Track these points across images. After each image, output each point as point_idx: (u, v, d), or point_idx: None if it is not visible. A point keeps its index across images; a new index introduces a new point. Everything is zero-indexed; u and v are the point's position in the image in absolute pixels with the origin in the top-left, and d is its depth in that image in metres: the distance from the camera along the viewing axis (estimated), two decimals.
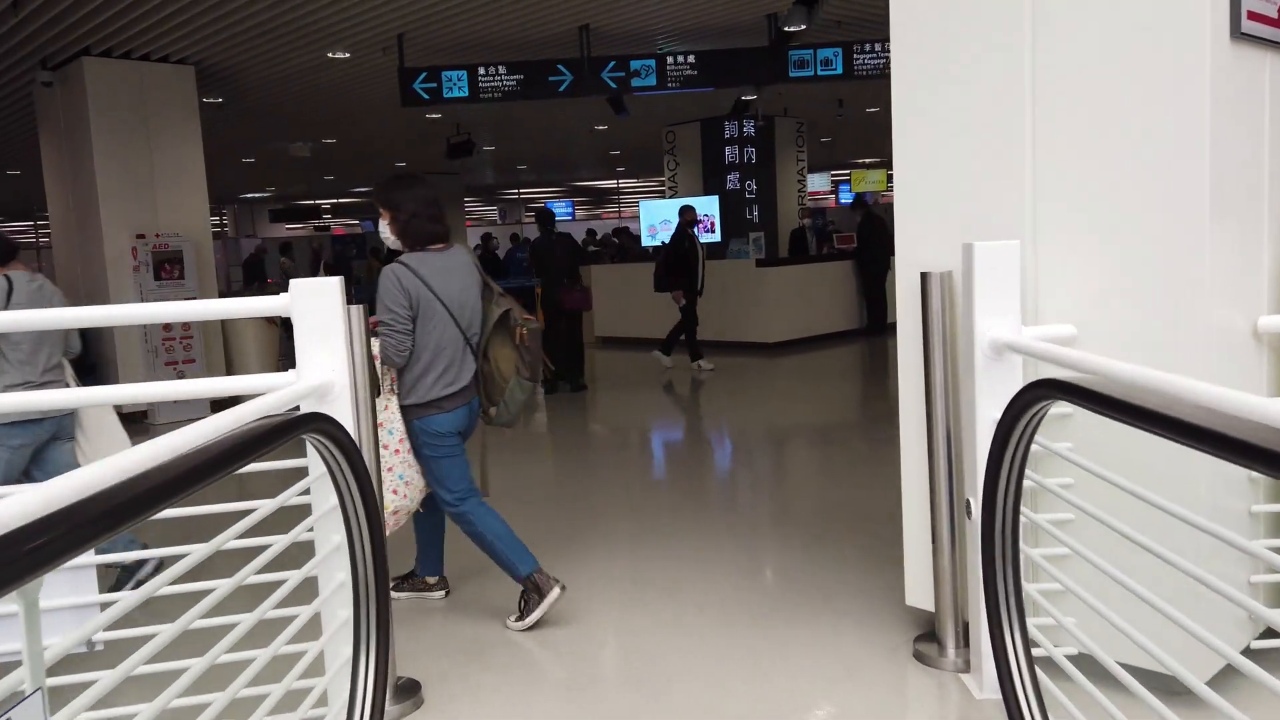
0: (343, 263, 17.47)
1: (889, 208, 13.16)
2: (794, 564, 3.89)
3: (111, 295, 8.40)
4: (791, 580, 3.72)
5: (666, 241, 10.22)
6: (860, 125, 16.40)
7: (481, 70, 8.12)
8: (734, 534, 4.35)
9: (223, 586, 1.82)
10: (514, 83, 8.13)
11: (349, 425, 2.52)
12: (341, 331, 2.56)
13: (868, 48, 8.02)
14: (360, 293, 18.17)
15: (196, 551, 1.77)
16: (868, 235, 12.44)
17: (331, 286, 2.55)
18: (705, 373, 9.63)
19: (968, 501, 2.76)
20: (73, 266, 9.06)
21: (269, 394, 2.23)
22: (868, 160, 24.46)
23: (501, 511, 3.52)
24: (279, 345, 9.38)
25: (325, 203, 26.49)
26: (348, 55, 9.10)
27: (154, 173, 8.53)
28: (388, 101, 11.60)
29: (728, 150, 14.03)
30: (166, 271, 8.42)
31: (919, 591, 3.12)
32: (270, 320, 9.05)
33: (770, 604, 3.50)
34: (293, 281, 2.55)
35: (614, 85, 8.14)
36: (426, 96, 8.15)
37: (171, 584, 1.67)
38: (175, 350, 8.47)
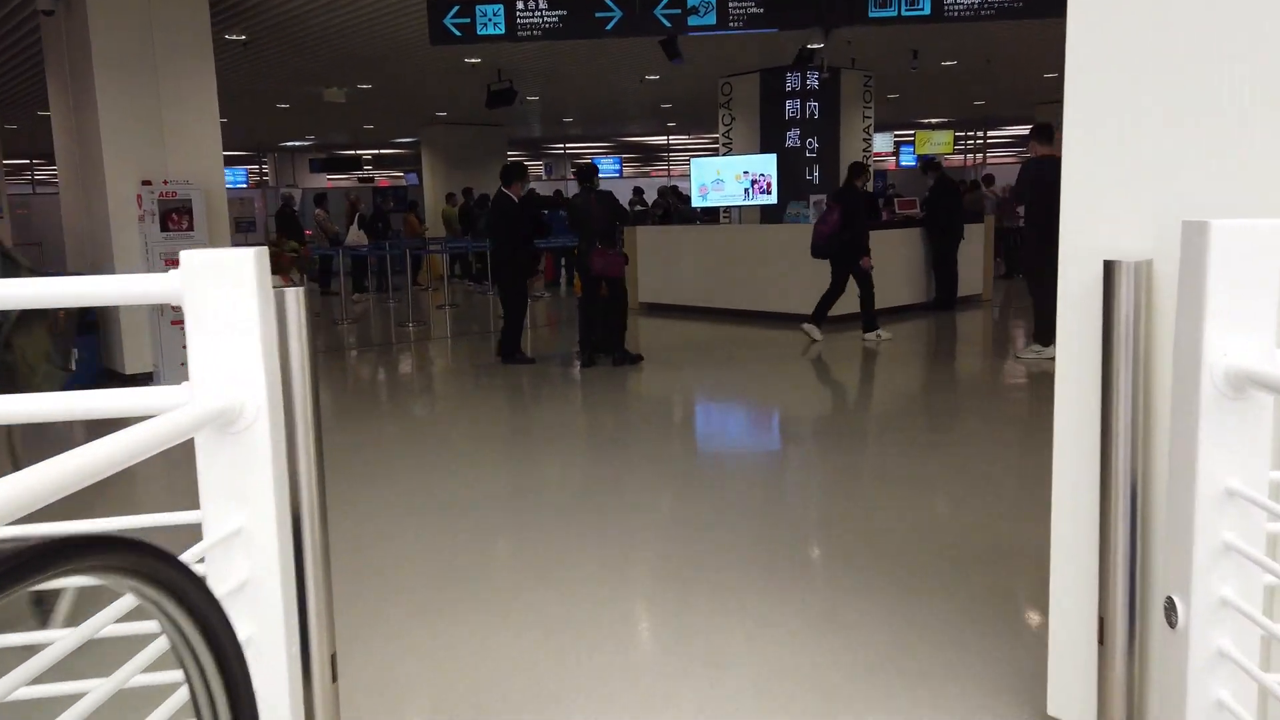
0: (380, 216, 16.77)
1: (954, 173, 12.16)
2: (878, 629, 3.04)
3: (114, 247, 7.73)
4: (875, 652, 2.88)
5: (831, 199, 9.20)
6: (932, 81, 15.22)
7: (520, 4, 7.23)
8: (797, 576, 3.51)
9: None
10: (556, 19, 7.23)
11: (264, 473, 1.69)
12: (255, 329, 1.74)
13: None
14: (398, 246, 17.53)
15: None
16: (940, 201, 11.39)
17: (241, 263, 1.72)
18: (884, 342, 9.01)
19: (1169, 601, 1.90)
20: (79, 216, 8.41)
21: (146, 423, 1.43)
22: (934, 121, 23.13)
23: (502, 529, 2.72)
24: None
25: (367, 153, 25.81)
26: None
27: (163, 114, 7.81)
28: (420, 42, 10.76)
29: (788, 105, 13.00)
30: (174, 222, 7.72)
31: (1069, 701, 2.27)
32: (286, 276, 8.33)
33: (846, 687, 2.66)
34: (184, 255, 1.73)
35: (668, 24, 7.21)
36: (458, 34, 7.30)
37: None
38: None
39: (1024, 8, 6.98)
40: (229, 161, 26.87)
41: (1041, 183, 7.24)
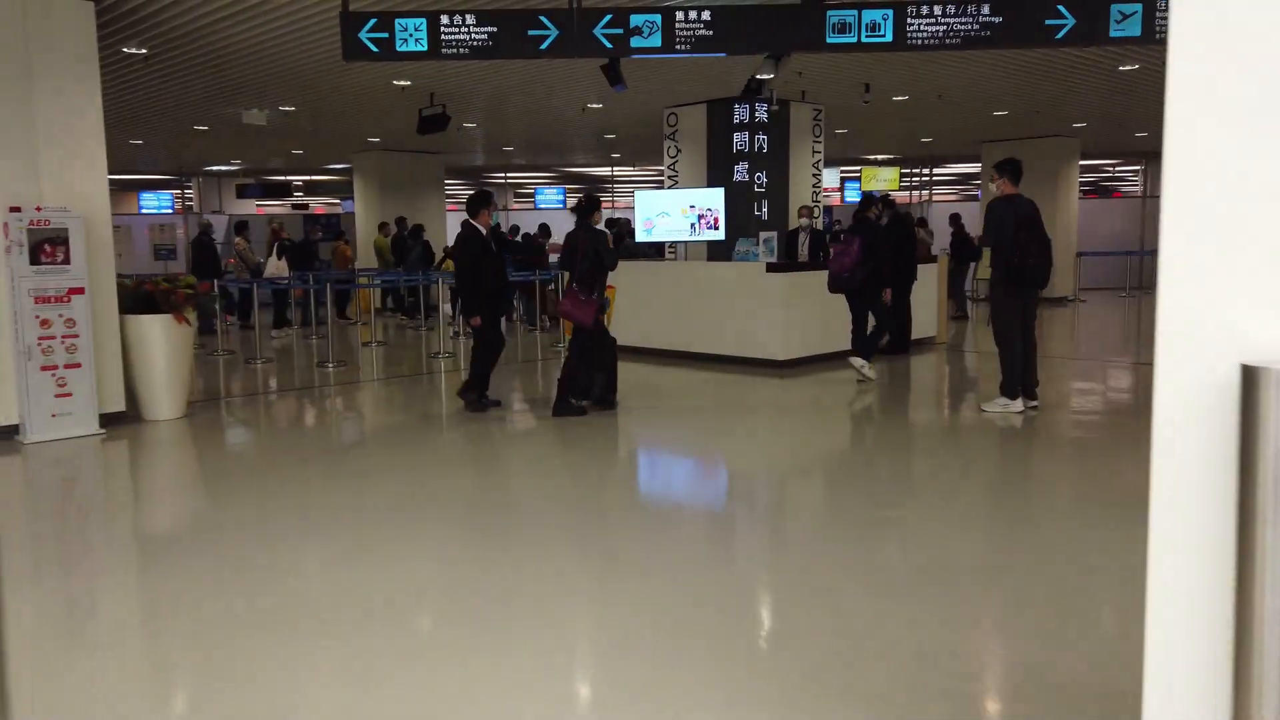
0: (307, 245, 15.83)
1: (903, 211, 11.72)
2: None
3: None
4: None
5: (849, 231, 9.11)
6: (882, 116, 14.84)
7: (445, 20, 6.51)
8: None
9: None
10: (484, 37, 6.52)
11: None
12: None
13: (926, 10, 6.44)
14: (326, 275, 16.56)
15: None
16: (895, 239, 10.88)
17: None
18: (867, 382, 8.84)
19: None
20: None
21: None
22: (880, 157, 22.91)
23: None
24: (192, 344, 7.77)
25: (298, 179, 24.76)
26: None
27: (38, 133, 6.90)
28: (339, 61, 9.96)
29: (736, 137, 12.46)
30: (48, 254, 6.79)
31: None
32: (179, 315, 7.43)
33: None
34: None
35: (609, 45, 6.55)
36: (375, 49, 6.54)
37: None
38: (55, 352, 6.85)
39: (991, 37, 6.47)
40: (151, 185, 25.63)
41: (1008, 223, 6.92)
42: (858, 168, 23.30)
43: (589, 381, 7.52)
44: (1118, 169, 27.54)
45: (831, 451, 6.70)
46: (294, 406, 8.60)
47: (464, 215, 7.57)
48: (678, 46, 6.57)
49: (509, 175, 26.30)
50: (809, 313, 9.96)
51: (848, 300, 9.14)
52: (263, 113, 12.84)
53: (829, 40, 6.53)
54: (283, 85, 11.23)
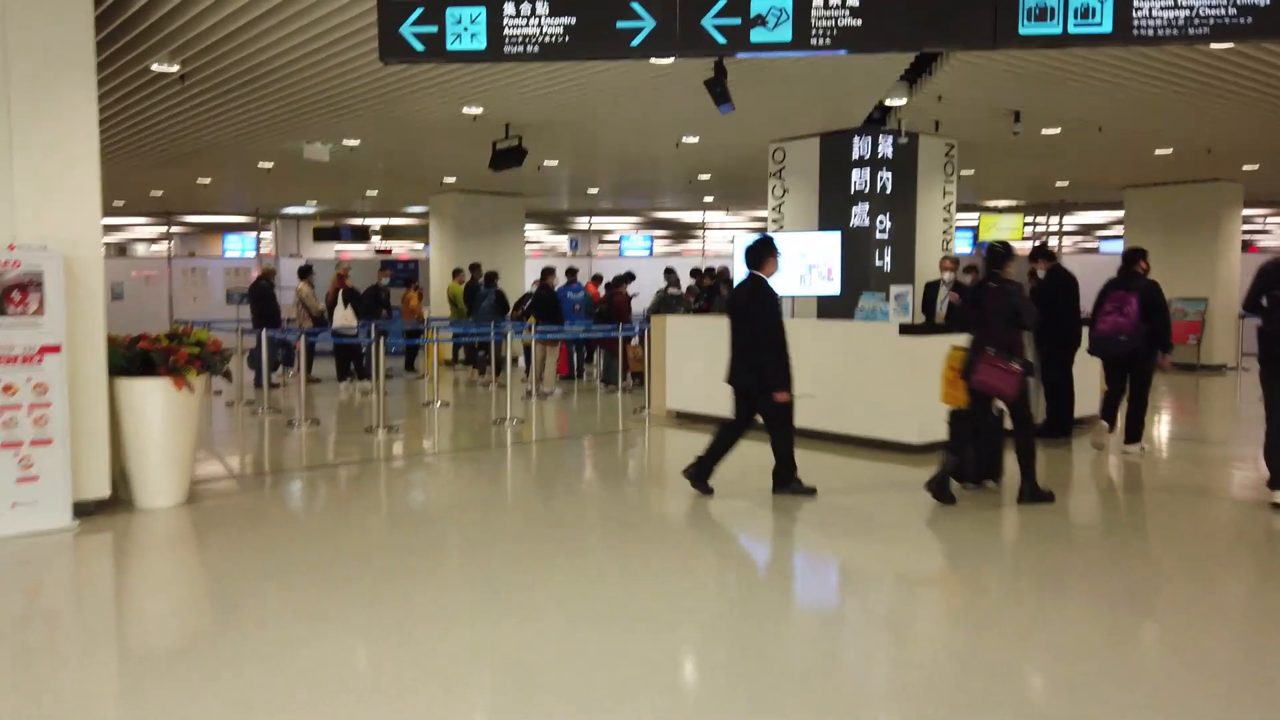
0: (375, 292, 14.63)
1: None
2: None
3: None
4: None
5: (1119, 287, 8.06)
6: (1016, 154, 12.93)
7: (510, 8, 5.01)
8: None
9: None
10: (559, 30, 4.99)
11: None
12: None
13: None
14: (394, 323, 15.34)
15: None
16: (1053, 299, 8.96)
17: None
18: (1136, 455, 8.06)
19: None
20: None
21: None
22: (1001, 204, 20.84)
23: None
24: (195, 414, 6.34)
25: (377, 222, 23.91)
26: None
27: (12, 153, 5.62)
28: (400, 82, 8.63)
29: (855, 175, 10.74)
30: (16, 302, 5.46)
31: None
32: (180, 379, 6.01)
33: None
34: None
35: (722, 40, 4.95)
36: (420, 47, 5.08)
37: None
38: (19, 425, 5.48)
39: (1254, 25, 4.65)
40: (231, 228, 25.15)
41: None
42: (974, 214, 21.25)
43: (970, 460, 6.45)
44: (1268, 219, 24.83)
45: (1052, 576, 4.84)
46: (329, 490, 7.11)
47: (740, 266, 6.73)
48: (814, 41, 4.93)
49: (593, 218, 25.01)
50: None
51: (1107, 369, 8.26)
52: (325, 146, 11.68)
53: (1023, 31, 4.81)
54: (341, 113, 9.99)
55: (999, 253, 6.34)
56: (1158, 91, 9.10)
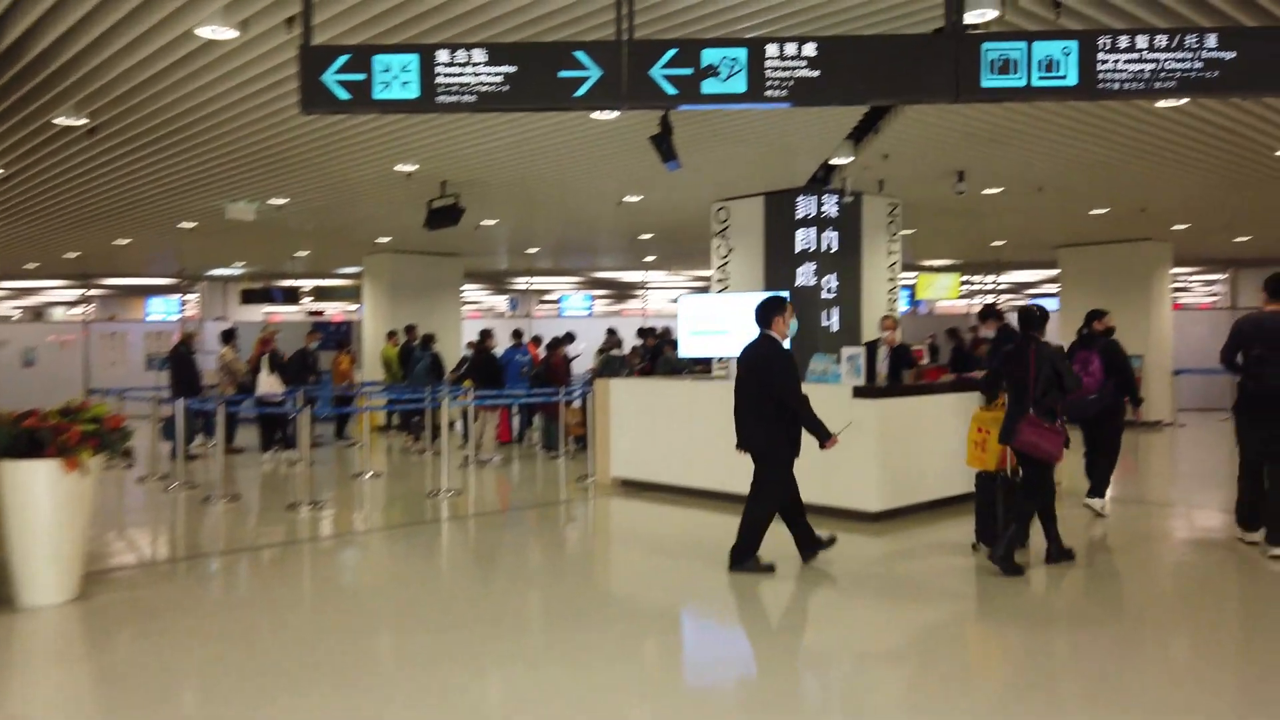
0: (302, 357, 13.98)
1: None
2: None
3: None
4: None
5: (1081, 347, 8.10)
6: (954, 214, 12.96)
7: (444, 56, 4.65)
8: None
9: None
10: (499, 79, 4.64)
11: None
12: None
13: (1125, 43, 4.52)
14: (323, 389, 14.67)
15: None
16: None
17: None
18: (1097, 508, 7.93)
19: None
20: None
21: None
22: (937, 263, 21.02)
23: None
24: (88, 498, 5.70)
25: (307, 283, 23.21)
26: (235, 34, 5.72)
27: None
28: (327, 140, 8.22)
29: (800, 235, 10.56)
30: None
31: None
32: (72, 460, 5.40)
33: None
34: None
35: (672, 89, 4.64)
36: (345, 95, 4.68)
37: None
38: None
39: (1222, 79, 4.50)
40: (154, 290, 24.19)
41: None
42: (912, 273, 21.40)
43: (1002, 528, 6.24)
44: (1190, 278, 25.56)
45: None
46: (242, 578, 6.48)
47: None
48: (769, 93, 4.65)
49: (532, 279, 24.65)
50: (912, 450, 7.84)
51: (1083, 429, 8.05)
52: (250, 205, 11.14)
53: (985, 84, 4.59)
54: (267, 170, 9.50)
55: (1035, 316, 6.30)
56: (1099, 151, 9.11)
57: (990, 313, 9.11)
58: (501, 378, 12.65)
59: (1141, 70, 4.56)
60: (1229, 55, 4.50)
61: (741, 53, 4.65)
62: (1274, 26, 4.59)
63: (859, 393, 7.77)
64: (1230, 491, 7.12)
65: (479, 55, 4.69)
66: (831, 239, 10.56)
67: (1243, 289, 22.17)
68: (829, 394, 8.00)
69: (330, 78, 4.72)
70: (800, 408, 5.93)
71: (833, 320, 10.60)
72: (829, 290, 10.53)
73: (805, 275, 10.53)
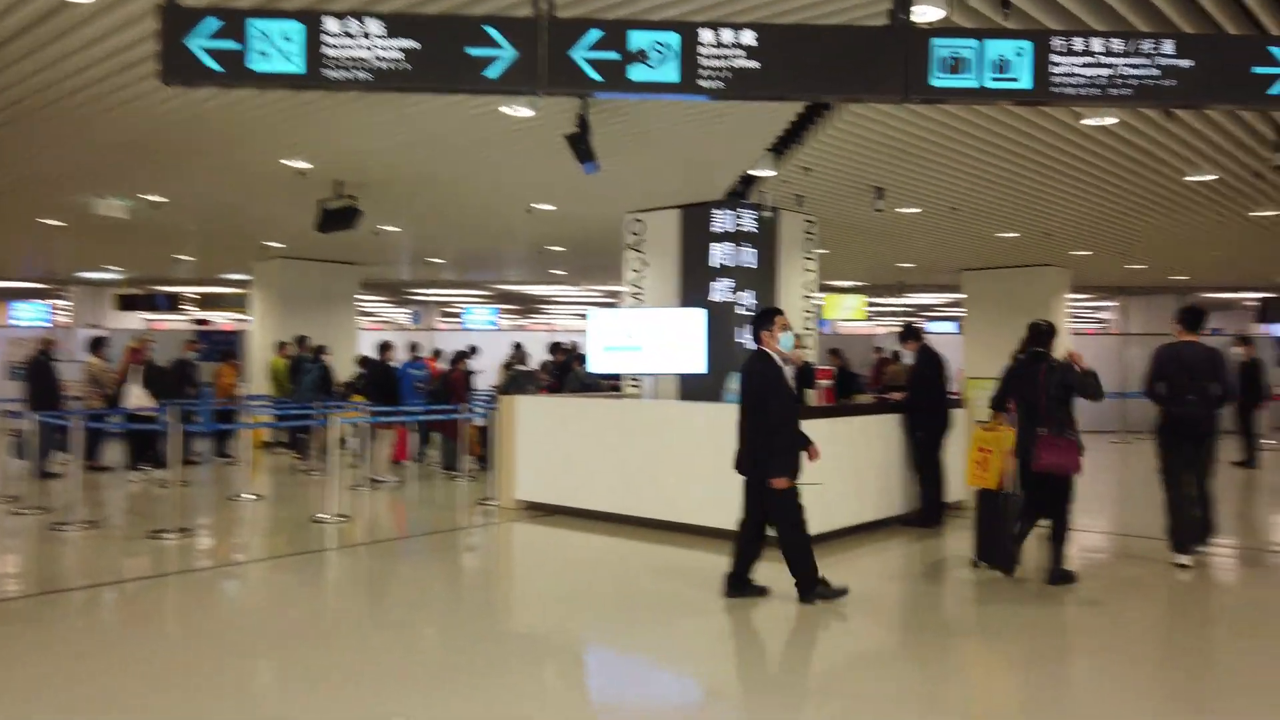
0: (180, 368, 12.91)
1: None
2: None
3: None
4: None
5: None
6: (865, 234, 12.84)
7: (332, 25, 4.05)
8: None
9: None
10: (398, 55, 4.07)
11: None
12: None
13: (1080, 46, 4.23)
14: (203, 402, 13.58)
15: None
16: (925, 380, 8.59)
17: None
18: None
19: None
20: None
21: None
22: (845, 284, 21.06)
23: None
24: None
25: (192, 290, 21.86)
26: None
27: None
28: (206, 130, 7.44)
29: (716, 249, 10.18)
30: None
31: None
32: None
33: None
34: None
35: (596, 75, 4.14)
36: (216, 67, 4.03)
37: None
38: None
39: (1180, 89, 4.25)
40: (19, 294, 22.42)
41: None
42: (819, 294, 21.38)
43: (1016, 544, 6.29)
44: (1082, 304, 26.33)
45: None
46: (84, 621, 5.65)
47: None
48: (704, 84, 4.20)
49: (434, 291, 23.78)
50: (834, 471, 7.48)
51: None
52: (123, 203, 10.16)
53: (935, 83, 4.24)
54: (137, 161, 8.62)
55: (1045, 330, 6.40)
56: (1017, 170, 9.00)
57: (911, 334, 8.89)
58: (397, 393, 11.89)
59: (1097, 75, 4.28)
60: (1186, 63, 4.26)
61: (674, 37, 4.19)
62: (1232, 35, 4.36)
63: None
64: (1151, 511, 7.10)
65: (375, 26, 4.11)
66: (748, 254, 10.21)
67: (1133, 316, 22.91)
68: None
69: (197, 44, 4.07)
70: (772, 432, 5.56)
71: (745, 338, 10.24)
72: (745, 307, 10.17)
73: (721, 291, 10.15)
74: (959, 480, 8.87)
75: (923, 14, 4.66)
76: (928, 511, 8.39)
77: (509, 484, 9.05)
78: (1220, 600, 6.37)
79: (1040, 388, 6.10)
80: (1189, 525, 6.75)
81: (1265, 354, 15.61)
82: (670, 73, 4.19)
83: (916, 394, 8.53)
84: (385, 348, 12.68)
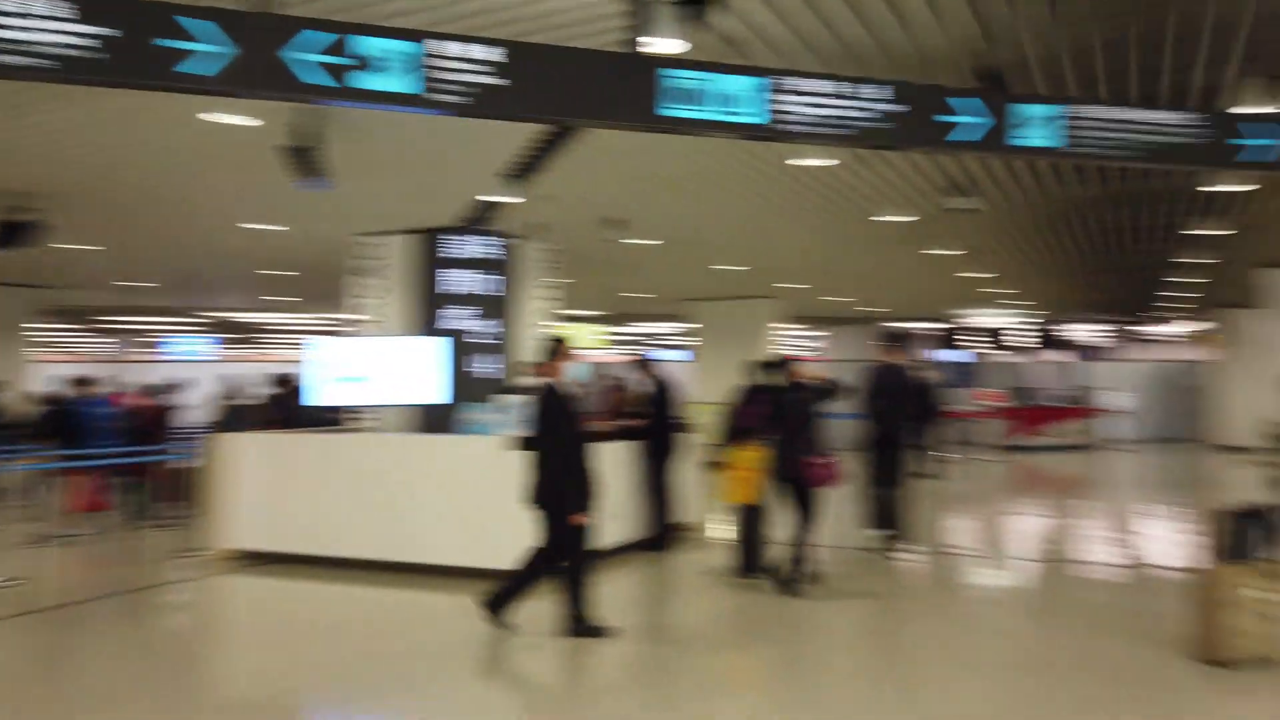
0: None
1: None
2: None
3: None
4: None
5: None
6: (605, 265, 13.07)
7: (7, 3, 3.42)
8: None
9: None
10: (93, 43, 3.49)
11: None
12: None
13: (807, 87, 4.42)
14: None
15: None
16: (657, 406, 8.79)
17: None
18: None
19: None
20: None
21: None
22: (581, 314, 21.32)
23: None
24: None
25: None
26: None
27: None
28: None
29: (452, 276, 9.87)
30: None
31: None
32: None
33: None
34: None
35: (316, 80, 3.80)
36: None
37: None
38: None
39: (895, 131, 4.56)
40: None
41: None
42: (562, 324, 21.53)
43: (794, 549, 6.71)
44: (797, 333, 28.35)
45: None
46: None
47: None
48: (442, 99, 3.98)
49: (144, 320, 21.47)
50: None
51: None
52: None
53: (668, 112, 4.28)
54: None
55: (782, 362, 7.08)
56: (738, 207, 9.43)
57: (644, 363, 9.13)
58: (83, 433, 10.45)
59: (823, 115, 4.50)
60: (901, 108, 4.58)
61: (412, 48, 3.92)
62: (942, 87, 4.74)
63: (515, 444, 7.20)
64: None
65: (41, 7, 3.50)
66: (486, 282, 9.97)
67: (844, 344, 24.97)
68: (482, 447, 7.37)
69: None
70: (564, 466, 5.55)
71: (484, 367, 9.99)
72: (482, 337, 9.92)
73: (456, 319, 9.83)
74: (694, 503, 9.15)
75: (663, 45, 4.68)
76: (663, 534, 8.54)
77: (225, 531, 8.18)
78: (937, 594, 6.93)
79: (790, 412, 6.68)
80: (893, 517, 8.01)
81: (939, 376, 17.64)
82: (404, 83, 3.92)
83: (650, 420, 8.69)
84: (80, 383, 11.16)
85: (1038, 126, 4.82)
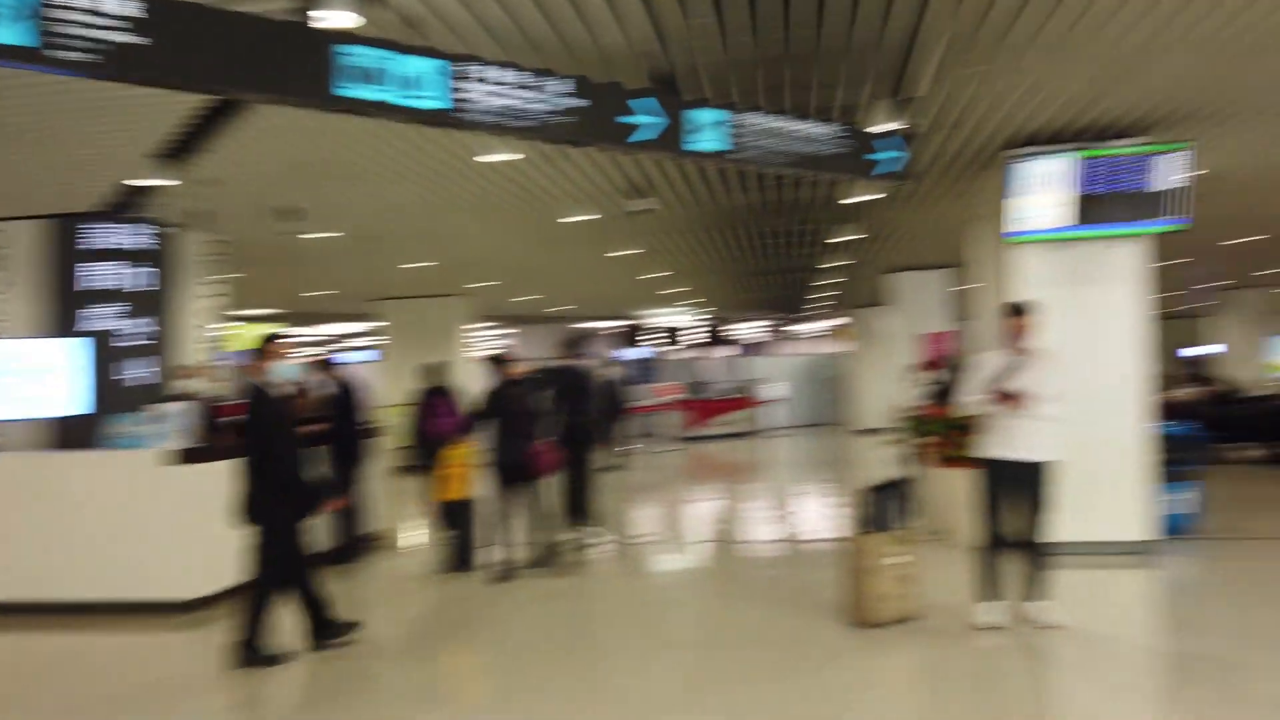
0: None
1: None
2: None
3: None
4: None
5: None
6: (284, 260, 12.22)
7: None
8: None
9: None
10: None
11: None
12: None
13: (485, 74, 4.34)
14: None
15: None
16: (341, 410, 8.33)
17: None
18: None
19: None
20: None
21: None
22: (256, 313, 19.73)
23: None
24: None
25: None
26: None
27: None
28: None
29: (94, 269, 8.73)
30: None
31: None
32: None
33: None
34: None
35: None
36: None
37: None
38: None
39: (579, 127, 4.60)
40: None
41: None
42: (227, 323, 19.76)
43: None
44: (484, 333, 28.28)
45: None
46: None
47: None
48: (65, 56, 3.44)
49: None
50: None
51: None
52: None
53: (345, 91, 4.03)
54: None
55: (500, 359, 7.49)
56: (425, 200, 9.17)
57: (325, 365, 8.64)
58: None
59: (507, 105, 4.45)
60: (584, 103, 4.63)
61: None
62: (622, 86, 4.84)
63: (179, 457, 6.50)
64: None
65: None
66: (135, 277, 8.91)
67: (533, 343, 25.26)
68: (133, 463, 6.58)
69: None
70: (278, 469, 5.13)
71: (141, 373, 8.93)
72: (134, 338, 8.86)
73: (100, 318, 8.70)
74: (384, 510, 8.79)
75: (336, 19, 4.38)
76: (352, 545, 8.12)
77: None
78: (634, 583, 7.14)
79: (510, 405, 7.19)
80: (584, 509, 8.39)
81: (624, 373, 18.40)
82: (20, 34, 3.34)
83: (334, 424, 8.23)
84: None
85: (708, 130, 5.11)
